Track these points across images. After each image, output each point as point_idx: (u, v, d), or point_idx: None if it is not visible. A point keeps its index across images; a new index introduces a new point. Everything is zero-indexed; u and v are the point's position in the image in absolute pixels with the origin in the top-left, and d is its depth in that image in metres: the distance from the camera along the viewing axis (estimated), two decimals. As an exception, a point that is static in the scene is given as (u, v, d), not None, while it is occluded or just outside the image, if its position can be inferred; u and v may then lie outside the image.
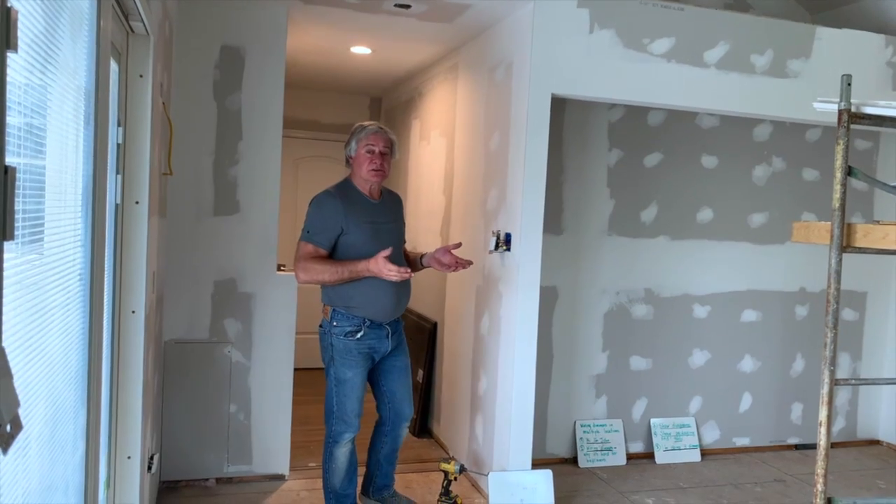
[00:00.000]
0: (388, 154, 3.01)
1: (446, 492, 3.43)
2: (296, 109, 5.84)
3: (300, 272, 2.89)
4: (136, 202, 2.36)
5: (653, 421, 4.44)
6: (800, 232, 2.80)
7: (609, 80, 3.54)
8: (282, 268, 3.83)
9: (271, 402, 3.69)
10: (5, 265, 0.89)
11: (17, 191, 0.88)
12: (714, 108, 3.79)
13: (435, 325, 4.65)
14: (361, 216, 2.95)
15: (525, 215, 3.44)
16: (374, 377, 3.16)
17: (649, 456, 4.41)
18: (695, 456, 4.45)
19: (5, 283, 0.89)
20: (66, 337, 1.39)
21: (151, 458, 2.85)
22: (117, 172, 2.25)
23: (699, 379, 4.57)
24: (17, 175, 0.87)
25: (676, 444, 4.45)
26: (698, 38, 3.66)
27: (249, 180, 3.61)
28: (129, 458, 2.37)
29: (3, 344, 0.76)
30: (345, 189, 3.01)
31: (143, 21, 2.20)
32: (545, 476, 3.51)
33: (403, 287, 3.04)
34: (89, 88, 1.55)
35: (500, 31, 3.80)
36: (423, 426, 4.68)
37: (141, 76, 2.37)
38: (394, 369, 3.14)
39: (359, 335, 2.97)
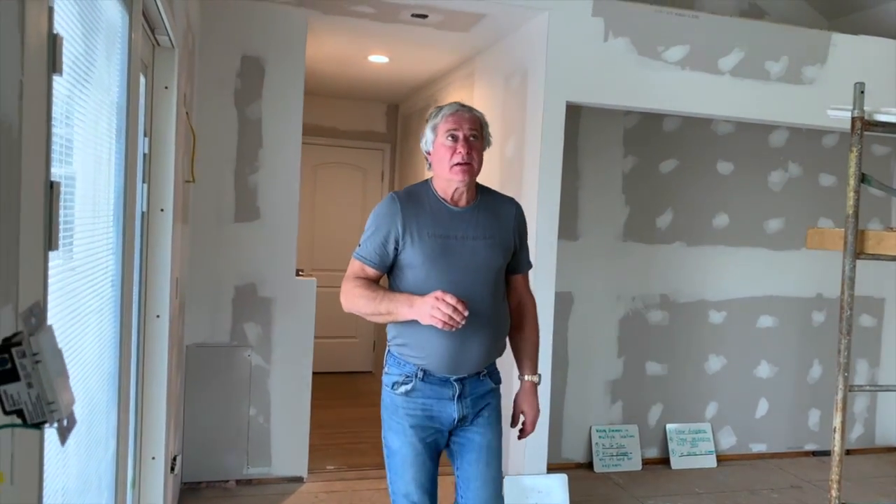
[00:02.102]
0: (478, 140, 2.14)
1: (462, 495, 3.47)
2: (314, 116, 5.92)
3: (341, 296, 2.12)
4: (162, 210, 2.43)
5: (668, 426, 4.45)
6: (814, 238, 2.82)
7: (624, 87, 3.57)
8: (300, 273, 3.90)
9: (290, 405, 3.75)
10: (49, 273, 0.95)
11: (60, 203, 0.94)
12: (729, 114, 3.81)
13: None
14: (428, 226, 2.09)
15: (540, 221, 3.48)
16: (448, 448, 2.23)
17: (665, 461, 4.42)
18: (711, 462, 4.45)
19: (50, 289, 0.95)
20: (100, 340, 1.45)
21: (174, 459, 2.92)
22: (143, 181, 2.32)
23: (715, 385, 4.57)
24: (61, 189, 0.93)
25: (692, 450, 4.45)
26: (713, 46, 3.68)
27: (269, 187, 3.68)
28: (153, 458, 2.44)
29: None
30: (416, 191, 2.18)
31: (168, 34, 2.28)
32: (560, 480, 3.53)
33: (480, 327, 2.07)
34: (121, 102, 1.61)
35: (515, 39, 3.84)
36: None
37: (166, 88, 2.45)
38: (469, 445, 2.17)
39: (405, 388, 2.10)
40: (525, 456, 3.51)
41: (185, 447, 3.59)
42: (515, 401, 2.26)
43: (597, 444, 4.29)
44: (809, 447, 4.77)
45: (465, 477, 2.19)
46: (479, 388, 2.15)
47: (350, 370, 6.33)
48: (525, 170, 3.63)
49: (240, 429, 3.68)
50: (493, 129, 4.06)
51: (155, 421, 2.42)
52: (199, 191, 3.54)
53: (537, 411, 2.26)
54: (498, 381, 2.25)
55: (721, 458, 4.53)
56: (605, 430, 4.33)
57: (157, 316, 2.41)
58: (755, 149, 4.57)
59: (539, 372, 2.30)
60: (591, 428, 4.31)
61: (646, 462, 4.39)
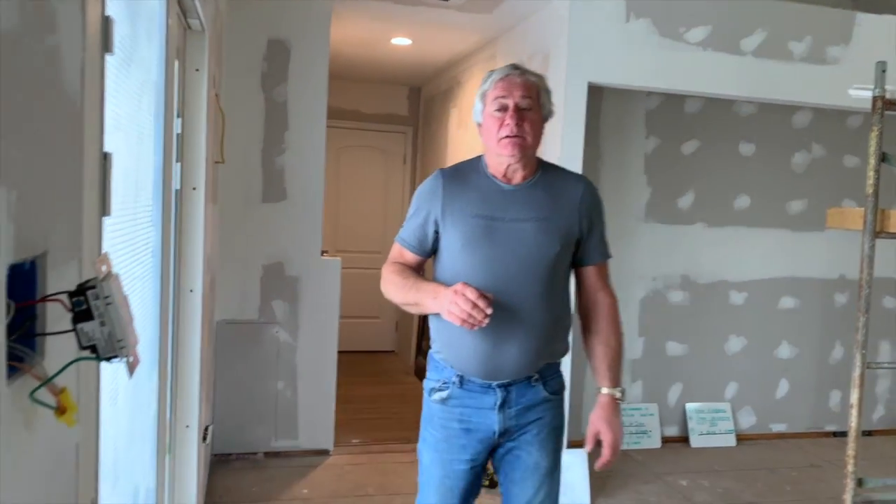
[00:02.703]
0: (534, 108, 1.82)
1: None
2: (338, 100, 5.99)
3: (381, 281, 1.92)
4: (194, 188, 2.52)
5: (688, 406, 4.49)
6: (834, 218, 2.84)
7: (645, 68, 3.59)
8: (325, 253, 3.99)
9: (316, 380, 3.85)
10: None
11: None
12: (751, 95, 3.81)
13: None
14: (471, 206, 1.83)
15: (561, 202, 3.52)
16: (493, 461, 1.97)
17: (684, 440, 4.47)
18: (730, 441, 4.49)
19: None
20: (143, 307, 1.55)
21: (206, 429, 3.03)
22: (177, 160, 2.40)
23: (735, 365, 4.60)
24: (112, 160, 1.01)
25: (712, 429, 4.49)
26: (735, 26, 3.68)
27: (295, 169, 3.77)
28: (187, 426, 2.54)
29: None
30: (465, 167, 1.93)
31: (199, 18, 2.35)
32: (580, 456, 3.60)
33: (522, 325, 1.78)
34: (158, 83, 1.69)
35: (537, 20, 3.87)
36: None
37: (197, 70, 2.53)
38: (515, 463, 1.90)
39: (440, 396, 1.88)
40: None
41: (216, 420, 3.71)
42: (591, 419, 1.88)
43: (616, 422, 4.34)
44: (830, 428, 4.78)
45: (508, 497, 1.94)
46: (527, 398, 1.84)
47: (373, 349, 6.44)
48: (547, 151, 3.67)
49: (268, 403, 3.80)
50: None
51: (189, 390, 2.52)
52: (228, 172, 3.63)
53: (618, 433, 1.86)
54: (555, 389, 1.91)
55: (741, 438, 4.57)
56: (625, 409, 4.38)
57: (191, 290, 2.51)
58: (778, 130, 4.56)
59: (622, 385, 1.92)
60: (610, 406, 4.36)
61: (665, 440, 4.44)
